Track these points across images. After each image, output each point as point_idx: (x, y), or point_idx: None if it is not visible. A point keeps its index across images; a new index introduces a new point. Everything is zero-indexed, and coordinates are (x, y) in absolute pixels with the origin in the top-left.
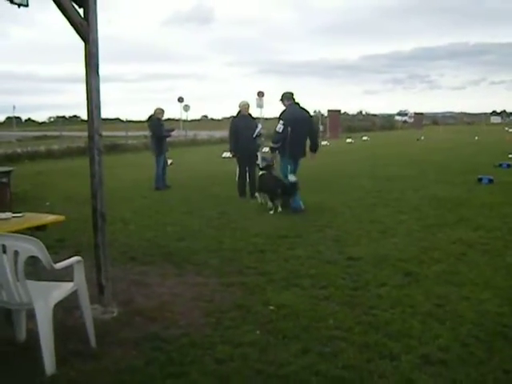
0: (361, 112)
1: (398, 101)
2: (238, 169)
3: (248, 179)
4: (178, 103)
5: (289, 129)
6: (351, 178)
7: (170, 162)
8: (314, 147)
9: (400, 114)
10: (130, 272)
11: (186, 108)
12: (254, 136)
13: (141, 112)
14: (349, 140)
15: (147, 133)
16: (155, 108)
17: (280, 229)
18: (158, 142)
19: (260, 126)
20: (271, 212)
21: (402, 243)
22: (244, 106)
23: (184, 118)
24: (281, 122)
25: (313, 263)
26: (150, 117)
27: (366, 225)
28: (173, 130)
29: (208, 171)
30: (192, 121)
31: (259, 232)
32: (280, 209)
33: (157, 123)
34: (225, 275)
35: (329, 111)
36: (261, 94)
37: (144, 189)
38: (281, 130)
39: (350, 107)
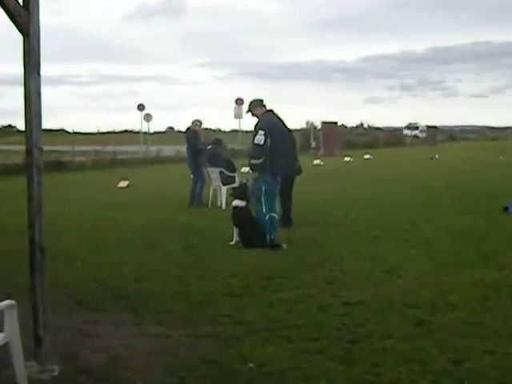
0: (362, 124)
1: (406, 111)
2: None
3: None
4: (138, 112)
5: (268, 140)
6: (350, 206)
7: (125, 183)
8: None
9: (409, 127)
10: (75, 320)
11: (148, 118)
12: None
13: (92, 122)
14: (347, 158)
15: (186, 146)
16: (193, 119)
17: (262, 268)
18: (194, 156)
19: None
20: (232, 243)
21: (411, 285)
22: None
23: (145, 129)
24: (260, 132)
25: (302, 310)
26: (187, 129)
27: (366, 263)
28: (210, 144)
29: (173, 195)
30: (155, 133)
31: (236, 271)
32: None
33: (192, 135)
34: (193, 324)
35: (323, 123)
36: (240, 102)
37: (94, 216)
38: (262, 142)
39: (349, 118)
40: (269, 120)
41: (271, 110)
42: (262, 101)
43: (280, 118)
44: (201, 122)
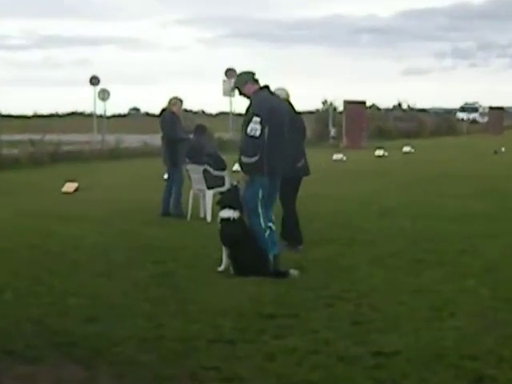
0: (400, 105)
1: (461, 87)
2: None
3: None
4: (91, 87)
5: (266, 130)
6: (384, 218)
7: (73, 186)
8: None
9: (465, 108)
10: (4, 375)
11: (104, 95)
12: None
13: (26, 101)
14: (380, 152)
15: (160, 134)
16: (170, 97)
17: (262, 303)
18: (172, 148)
19: None
20: (220, 268)
21: (469, 328)
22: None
23: (100, 111)
24: (254, 119)
25: (316, 362)
26: (162, 111)
27: (406, 296)
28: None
29: (140, 203)
30: (114, 117)
31: (227, 308)
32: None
33: (170, 120)
34: (166, 381)
35: (346, 103)
36: (231, 74)
37: (30, 232)
38: (258, 134)
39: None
40: (264, 101)
41: (267, 87)
42: (253, 74)
43: (279, 98)
44: (181, 101)
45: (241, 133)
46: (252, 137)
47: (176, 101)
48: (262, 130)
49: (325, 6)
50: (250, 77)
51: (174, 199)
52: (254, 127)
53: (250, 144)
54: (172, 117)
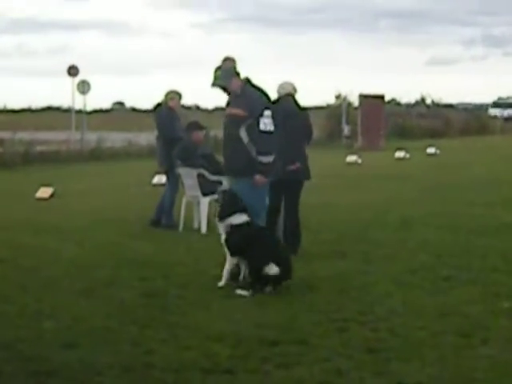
0: (423, 100)
1: (494, 79)
2: None
3: None
4: (69, 78)
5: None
6: (405, 229)
7: (48, 192)
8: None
9: (499, 104)
10: None
11: (84, 87)
12: None
13: None
14: (400, 154)
15: (155, 132)
16: (167, 91)
17: (264, 327)
18: (170, 149)
19: None
20: (244, 293)
21: (502, 357)
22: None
23: (79, 106)
24: (267, 112)
25: None
26: (156, 105)
27: (430, 319)
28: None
29: (124, 209)
30: (95, 112)
31: (224, 332)
32: (269, 289)
33: (167, 116)
34: None
35: (362, 97)
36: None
37: (0, 243)
38: (272, 128)
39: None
40: (258, 94)
41: (248, 80)
42: (235, 64)
43: (264, 92)
44: (180, 96)
45: (227, 131)
46: (266, 132)
47: (174, 95)
48: (276, 126)
49: None
50: (234, 70)
51: (166, 207)
52: (268, 121)
53: (266, 140)
54: (169, 113)
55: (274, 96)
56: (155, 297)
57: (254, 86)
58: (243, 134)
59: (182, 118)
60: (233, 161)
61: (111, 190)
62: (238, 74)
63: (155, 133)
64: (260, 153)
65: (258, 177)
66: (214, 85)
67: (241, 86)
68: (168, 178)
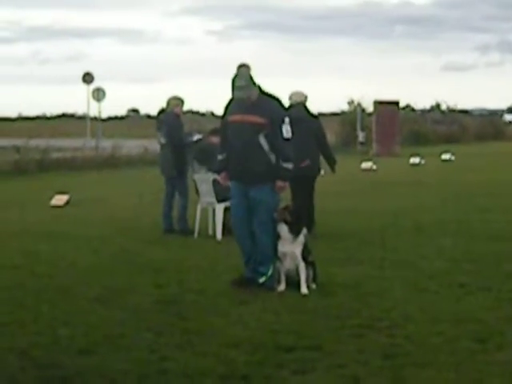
0: (438, 106)
1: (509, 85)
2: None
3: None
4: (84, 85)
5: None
6: (420, 235)
7: (63, 199)
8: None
9: None
10: None
11: (99, 95)
12: None
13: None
14: (415, 160)
15: (161, 138)
16: (169, 97)
17: (280, 333)
18: (180, 155)
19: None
20: (280, 288)
21: None
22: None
23: (94, 113)
24: (287, 119)
25: None
26: (160, 111)
27: (446, 325)
28: (194, 135)
29: (139, 217)
30: (110, 119)
31: (240, 339)
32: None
33: (175, 122)
34: None
35: (377, 104)
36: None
37: (15, 251)
38: (290, 135)
39: (419, 96)
40: (276, 103)
41: (259, 88)
42: (249, 71)
43: (279, 99)
44: (182, 101)
45: (239, 139)
46: (288, 139)
47: (178, 102)
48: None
49: None
50: (252, 79)
51: (179, 213)
52: (289, 129)
53: (289, 148)
54: (177, 120)
55: (286, 103)
56: (170, 303)
57: (265, 93)
58: (263, 141)
59: (188, 123)
60: (252, 168)
61: (126, 198)
62: (254, 83)
63: (162, 140)
64: (284, 159)
65: (280, 183)
66: (235, 97)
67: (257, 93)
68: (172, 185)
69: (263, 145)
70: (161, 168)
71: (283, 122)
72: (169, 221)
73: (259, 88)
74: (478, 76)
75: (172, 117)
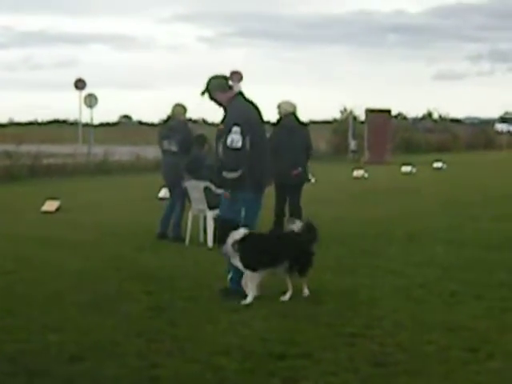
0: (430, 114)
1: (501, 94)
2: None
3: None
4: (76, 91)
5: (247, 140)
6: (411, 243)
7: (54, 205)
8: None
9: (506, 119)
10: None
11: (91, 101)
12: None
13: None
14: (407, 168)
15: (172, 146)
16: (174, 104)
17: (271, 341)
18: (189, 163)
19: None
20: (285, 298)
21: (509, 371)
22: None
23: (86, 119)
24: (234, 129)
25: None
26: (167, 119)
27: (437, 334)
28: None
29: (131, 223)
30: (101, 126)
31: (230, 346)
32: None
33: (186, 130)
34: None
35: (369, 112)
36: (236, 77)
37: (5, 257)
38: (239, 145)
39: (410, 105)
40: (242, 109)
41: (241, 93)
42: (226, 79)
43: (255, 106)
44: (185, 109)
45: (216, 145)
46: (233, 149)
47: (183, 109)
48: (244, 141)
49: (346, 2)
50: (223, 82)
51: (174, 220)
52: (235, 138)
53: (231, 157)
54: (187, 127)
55: (268, 112)
56: (161, 310)
57: (246, 99)
58: (219, 148)
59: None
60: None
61: (117, 204)
62: (229, 88)
63: (173, 148)
64: (225, 167)
65: (221, 191)
66: (202, 93)
67: (228, 98)
68: (174, 192)
69: (219, 153)
70: (166, 176)
71: (230, 130)
72: (165, 226)
73: (240, 94)
74: (469, 85)
75: (182, 125)
